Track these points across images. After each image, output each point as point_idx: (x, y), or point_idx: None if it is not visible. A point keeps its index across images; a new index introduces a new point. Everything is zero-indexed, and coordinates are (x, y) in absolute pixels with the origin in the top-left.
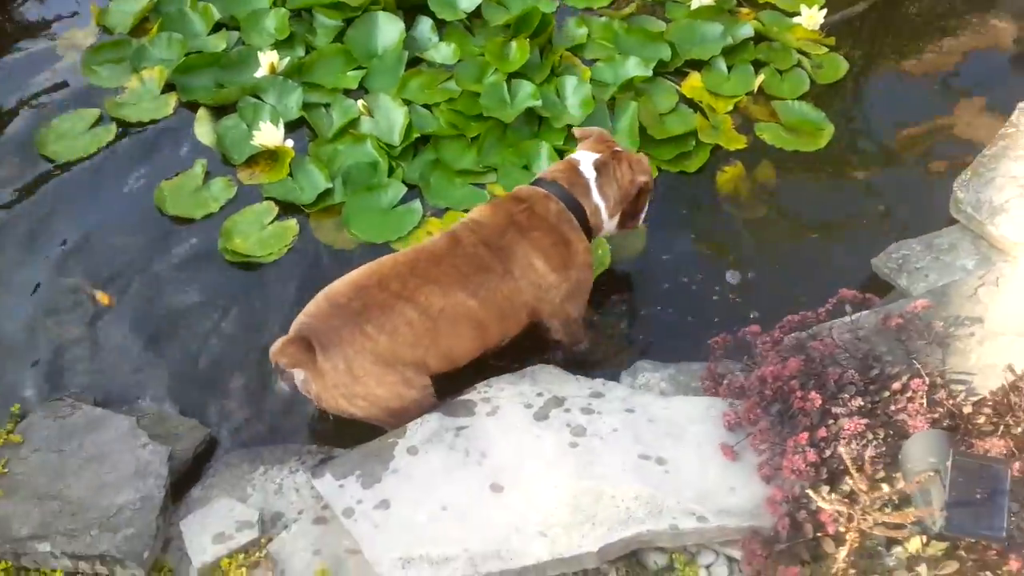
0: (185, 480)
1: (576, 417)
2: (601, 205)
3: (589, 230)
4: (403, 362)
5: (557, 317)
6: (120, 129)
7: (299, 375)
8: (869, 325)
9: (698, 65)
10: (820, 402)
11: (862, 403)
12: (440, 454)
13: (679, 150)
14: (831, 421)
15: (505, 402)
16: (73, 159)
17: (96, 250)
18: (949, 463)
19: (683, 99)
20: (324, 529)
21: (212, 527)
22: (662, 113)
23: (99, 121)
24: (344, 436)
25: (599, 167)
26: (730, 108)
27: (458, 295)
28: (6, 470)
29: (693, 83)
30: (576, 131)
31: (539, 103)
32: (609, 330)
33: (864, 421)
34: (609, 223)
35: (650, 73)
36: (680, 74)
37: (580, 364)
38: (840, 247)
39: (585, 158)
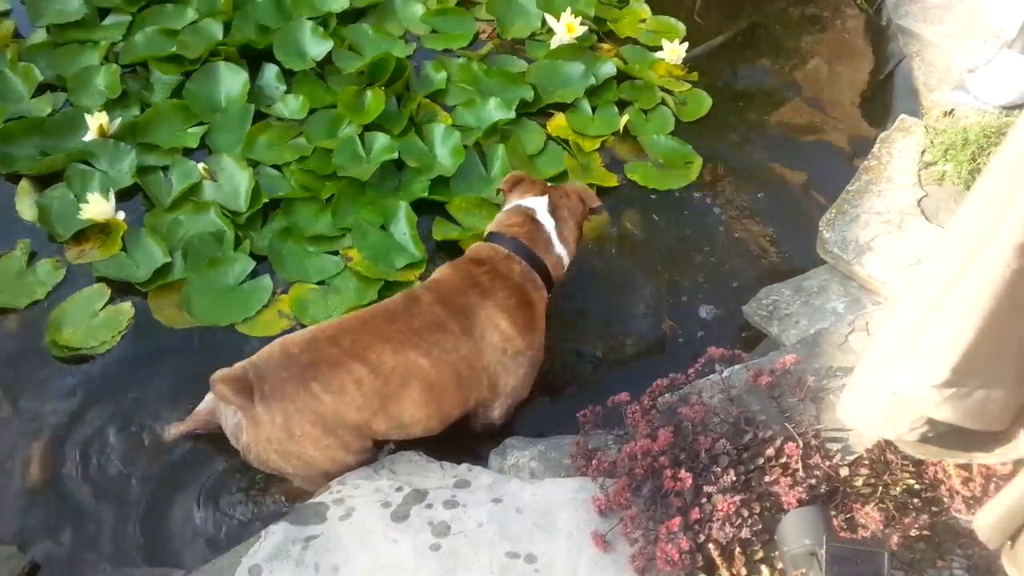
0: None
1: (439, 513)
2: (564, 254)
3: (550, 284)
4: (345, 425)
5: (513, 395)
6: None
7: (232, 417)
8: (740, 382)
9: (562, 107)
10: (691, 481)
11: (735, 478)
12: (287, 573)
13: None
14: (704, 500)
15: (360, 502)
16: None
17: None
18: (823, 551)
19: (550, 138)
20: None
21: None
22: (532, 154)
23: None
24: (182, 552)
25: (554, 212)
26: (597, 146)
27: (409, 354)
28: None
29: (558, 123)
30: (504, 181)
31: (395, 156)
32: None
33: (738, 498)
34: (567, 261)
35: (513, 115)
36: (544, 115)
37: (444, 447)
38: (713, 295)
39: (538, 205)
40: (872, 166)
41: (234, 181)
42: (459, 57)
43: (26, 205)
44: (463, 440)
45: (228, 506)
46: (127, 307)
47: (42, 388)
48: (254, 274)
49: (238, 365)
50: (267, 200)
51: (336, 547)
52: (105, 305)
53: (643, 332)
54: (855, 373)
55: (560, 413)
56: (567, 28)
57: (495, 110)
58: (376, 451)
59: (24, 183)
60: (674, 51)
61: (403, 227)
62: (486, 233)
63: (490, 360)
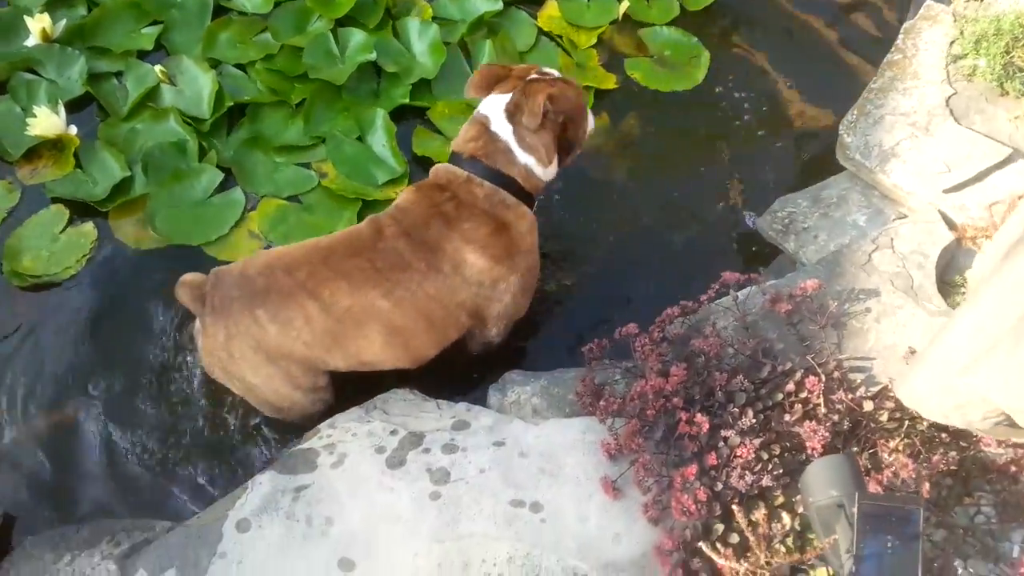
0: None
1: (437, 458)
2: (531, 162)
3: (529, 197)
4: (291, 358)
5: (504, 318)
6: None
7: (196, 323)
8: (756, 307)
9: None
10: (707, 425)
11: (753, 418)
12: (277, 527)
13: None
14: (721, 443)
15: (353, 447)
16: None
17: None
18: (854, 508)
19: (542, 32)
20: None
21: None
22: (522, 52)
23: None
24: (165, 506)
25: (512, 115)
26: (594, 41)
27: (368, 293)
28: None
29: (550, 12)
30: (470, 85)
31: (373, 56)
32: None
33: (757, 441)
34: (548, 172)
35: (500, 6)
36: (534, 2)
37: (438, 382)
38: (723, 207)
39: (493, 108)
40: (896, 60)
41: (195, 85)
42: None
43: None
44: (459, 372)
45: (213, 451)
46: (89, 228)
47: (6, 323)
48: (223, 187)
49: (209, 273)
50: (232, 104)
51: (329, 498)
52: (65, 228)
53: (646, 249)
54: (921, 360)
55: (566, 341)
56: None
57: (482, 1)
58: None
59: None
60: None
61: (381, 137)
62: (450, 152)
63: (466, 295)
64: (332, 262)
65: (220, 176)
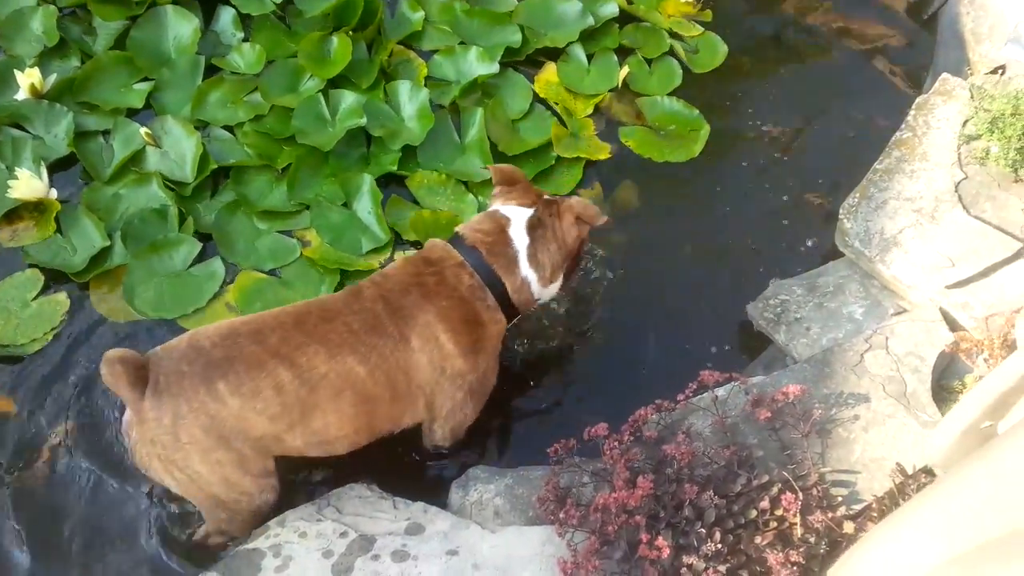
0: None
1: (386, 567)
2: (532, 278)
3: (512, 309)
4: (247, 437)
5: (451, 419)
6: None
7: (126, 416)
8: (737, 408)
9: (554, 54)
10: (668, 550)
11: (720, 541)
12: None
13: (538, 168)
14: (684, 569)
15: (300, 551)
16: None
17: None
18: None
19: (537, 98)
20: None
21: None
22: (515, 119)
23: None
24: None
25: (533, 230)
26: (590, 111)
27: (347, 359)
28: None
29: (548, 77)
30: (492, 170)
31: (363, 121)
32: None
33: (723, 568)
34: (545, 292)
35: (496, 68)
36: (533, 64)
37: (402, 471)
38: (712, 287)
39: (516, 217)
40: (905, 139)
41: (180, 147)
42: None
43: None
44: (425, 461)
45: (163, 541)
46: (62, 298)
47: None
48: (202, 257)
49: (146, 353)
50: (215, 167)
51: None
52: (38, 295)
53: (627, 333)
54: (950, 417)
55: (540, 429)
56: None
57: (476, 62)
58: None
59: None
60: None
61: (367, 204)
62: (453, 232)
63: (427, 378)
64: (307, 327)
65: (199, 247)
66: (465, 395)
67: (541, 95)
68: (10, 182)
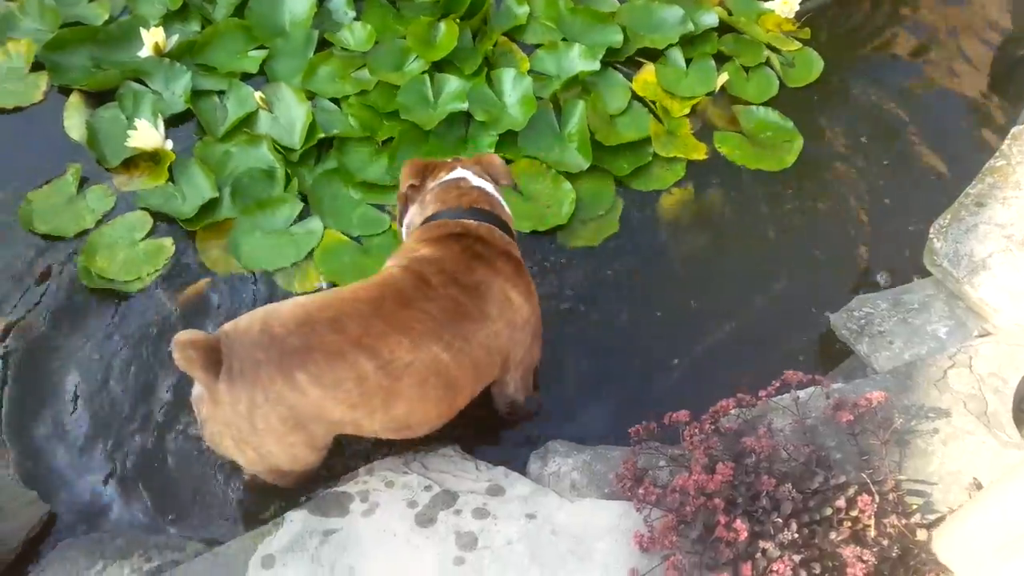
0: (11, 571)
1: (467, 522)
2: (507, 209)
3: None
4: (323, 421)
5: (522, 365)
6: None
7: (196, 388)
8: (817, 411)
9: (653, 55)
10: (746, 534)
11: (796, 531)
12: (301, 568)
13: (636, 163)
14: (759, 554)
15: (386, 498)
16: None
17: None
18: None
19: (635, 96)
20: None
21: None
22: (613, 114)
23: None
24: (202, 523)
25: (483, 176)
26: (687, 111)
27: (431, 348)
28: None
29: (646, 77)
30: (404, 169)
31: (465, 106)
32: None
33: (797, 558)
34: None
35: (598, 66)
36: (632, 64)
37: (483, 441)
38: (798, 297)
39: (467, 175)
40: (999, 167)
41: (291, 114)
42: None
43: (74, 123)
44: (505, 431)
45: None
46: (168, 243)
47: (79, 324)
48: (303, 217)
49: (216, 332)
50: (322, 136)
51: (355, 546)
52: (145, 237)
53: (711, 328)
54: (960, 519)
55: (616, 412)
56: None
57: (578, 59)
58: None
59: (75, 98)
60: (787, 2)
61: None
62: (431, 213)
63: (505, 339)
64: (385, 314)
65: (301, 206)
66: (532, 337)
67: (639, 94)
68: (129, 131)
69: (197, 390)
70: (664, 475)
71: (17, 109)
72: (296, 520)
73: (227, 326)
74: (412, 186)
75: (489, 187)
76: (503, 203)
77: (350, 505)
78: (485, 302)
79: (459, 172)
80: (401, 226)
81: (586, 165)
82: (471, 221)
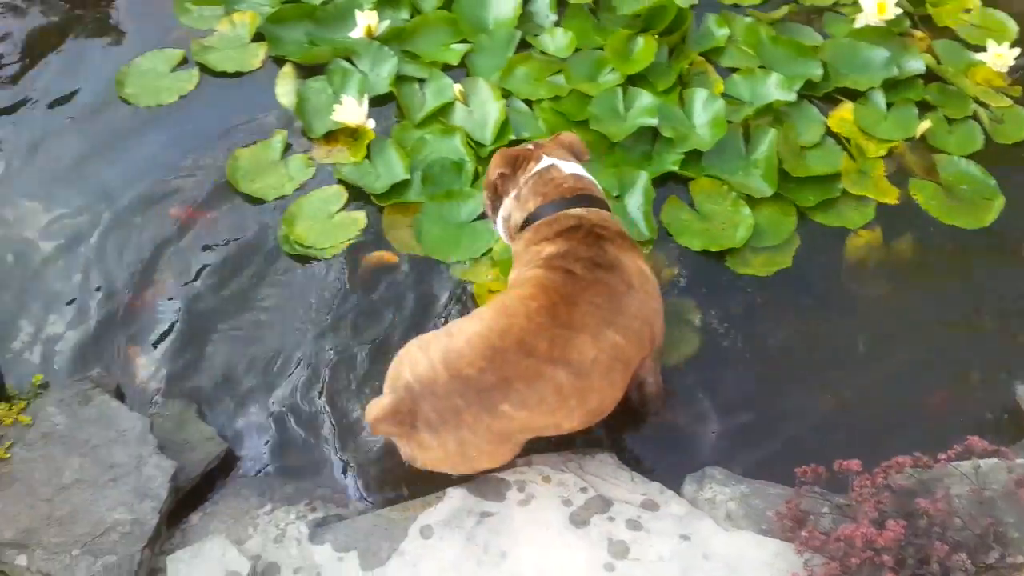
0: (188, 500)
1: (620, 530)
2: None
3: None
4: (529, 430)
5: (658, 341)
6: (203, 76)
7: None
8: (998, 484)
9: (852, 95)
10: None
11: None
12: (456, 543)
13: (824, 196)
14: None
15: (542, 492)
16: (152, 105)
17: (157, 226)
18: None
19: (829, 132)
20: None
21: (199, 571)
22: (804, 146)
23: (182, 63)
24: (365, 485)
25: (571, 155)
26: (883, 153)
27: (608, 335)
28: (8, 455)
29: (843, 115)
30: (499, 168)
31: (655, 122)
32: (687, 407)
33: None
34: None
35: (794, 97)
36: (829, 101)
37: (639, 455)
38: (985, 363)
39: (556, 162)
40: None
41: (485, 110)
42: (747, 16)
43: (285, 90)
44: (660, 450)
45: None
46: (360, 216)
47: (272, 282)
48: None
49: (392, 395)
50: (512, 137)
51: (509, 532)
52: (340, 209)
53: (888, 381)
54: None
55: (776, 449)
56: (878, 7)
57: (775, 88)
58: None
59: (287, 67)
60: (1000, 56)
61: (638, 200)
62: (534, 209)
63: (649, 308)
64: (562, 319)
65: None
66: (658, 304)
67: (833, 130)
68: (335, 106)
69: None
70: (826, 522)
71: (237, 74)
72: (456, 497)
73: (408, 377)
74: (502, 175)
75: (579, 169)
76: (595, 181)
77: (507, 492)
78: (626, 274)
79: (547, 160)
80: (495, 218)
81: (770, 192)
82: (580, 210)
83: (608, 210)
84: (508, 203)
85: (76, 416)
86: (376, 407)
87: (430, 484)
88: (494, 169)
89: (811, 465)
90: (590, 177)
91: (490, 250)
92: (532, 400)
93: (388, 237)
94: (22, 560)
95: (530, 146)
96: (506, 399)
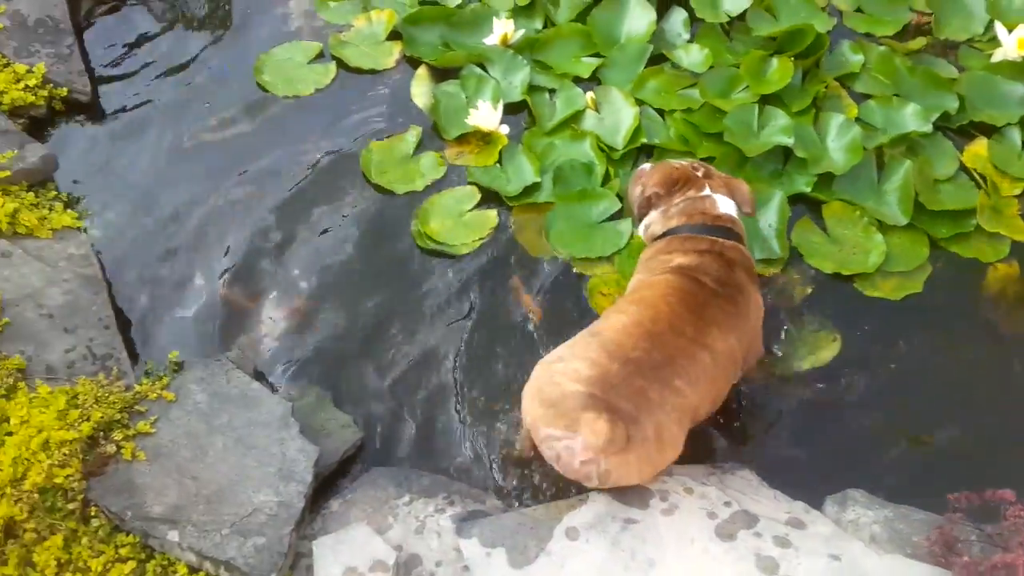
0: (325, 486)
1: (767, 546)
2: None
3: None
4: (692, 420)
5: (747, 366)
6: (339, 72)
7: (578, 451)
8: None
9: (987, 130)
10: None
11: None
12: (602, 547)
13: (957, 230)
14: None
15: (685, 503)
16: (289, 95)
17: (293, 207)
18: None
19: (963, 166)
20: None
21: (344, 557)
22: (938, 179)
23: (318, 57)
24: (502, 482)
25: (733, 199)
26: (1018, 191)
27: (730, 337)
28: (154, 429)
29: (977, 150)
30: (654, 183)
31: (791, 141)
32: (824, 428)
33: None
34: None
35: (930, 128)
36: (963, 134)
37: (778, 473)
38: None
39: (715, 195)
40: None
41: (617, 116)
42: (881, 45)
43: (420, 91)
44: (798, 470)
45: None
46: (492, 215)
47: (403, 274)
48: (615, 216)
49: (593, 412)
50: (643, 142)
51: (654, 541)
52: (472, 208)
53: None
54: None
55: (915, 478)
56: (1017, 43)
57: (911, 118)
58: None
59: (423, 70)
60: None
61: (772, 218)
62: (676, 226)
63: (756, 333)
64: (697, 313)
65: (618, 205)
66: (760, 335)
67: (967, 164)
68: (470, 109)
69: (581, 457)
70: (975, 550)
71: (371, 71)
72: (600, 502)
73: (576, 387)
74: (658, 195)
75: (734, 212)
76: (743, 230)
77: (650, 500)
78: (747, 298)
79: (708, 192)
80: (638, 224)
81: (904, 221)
82: (717, 239)
83: (746, 248)
84: (654, 215)
85: (218, 395)
86: (594, 434)
87: (568, 486)
88: (651, 185)
89: (963, 493)
90: (738, 220)
91: (620, 251)
92: (693, 376)
93: (518, 237)
94: (174, 536)
95: (699, 172)
96: (676, 374)
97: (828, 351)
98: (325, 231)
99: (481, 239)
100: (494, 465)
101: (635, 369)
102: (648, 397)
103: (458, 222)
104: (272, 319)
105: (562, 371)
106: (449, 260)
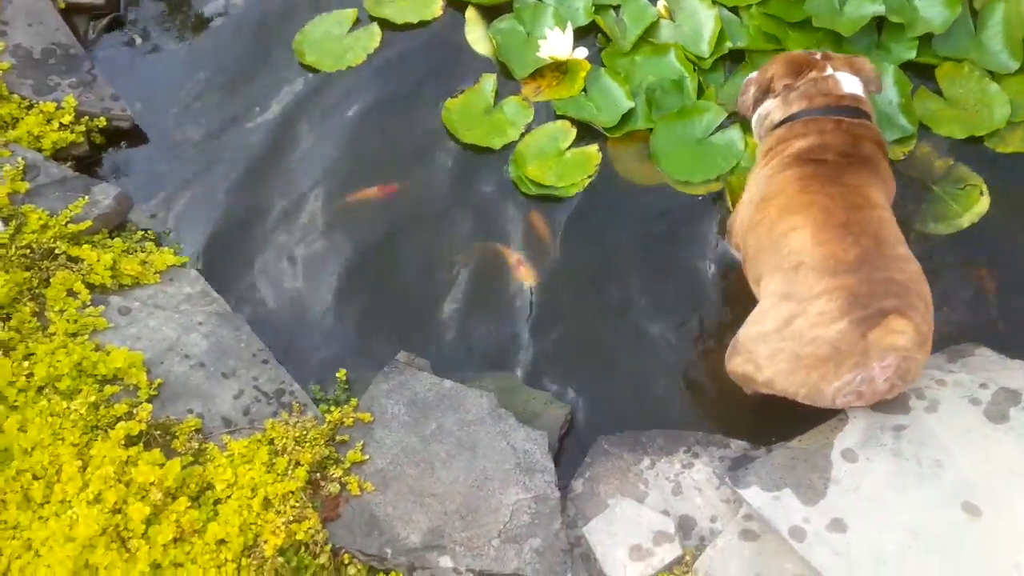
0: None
1: None
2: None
3: None
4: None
5: None
6: (384, 32)
7: (878, 375)
8: None
9: None
10: None
11: None
12: (884, 462)
13: None
14: None
15: (942, 395)
16: (341, 68)
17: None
18: None
19: None
20: (757, 547)
21: (623, 537)
22: None
23: (357, 23)
24: (720, 420)
25: (858, 77)
26: None
27: (883, 197)
28: (366, 456)
29: None
30: (778, 69)
31: (882, 9)
32: None
33: None
34: None
35: None
36: None
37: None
38: None
39: (838, 75)
40: None
41: (696, 20)
42: None
43: (478, 36)
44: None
45: None
46: (593, 151)
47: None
48: (721, 127)
49: (896, 315)
50: (729, 48)
51: (931, 441)
52: (571, 145)
53: None
54: None
55: None
56: None
57: None
58: None
59: (471, 12)
60: None
61: (892, 94)
62: (797, 111)
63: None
64: (839, 181)
65: (723, 115)
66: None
67: None
68: (540, 41)
69: (888, 371)
70: None
71: (421, 24)
72: (860, 417)
73: (848, 313)
74: (777, 81)
75: (859, 89)
76: (872, 108)
77: (908, 402)
78: (880, 167)
79: (829, 71)
80: (752, 114)
81: (1015, 66)
82: (844, 118)
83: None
84: (771, 102)
85: (415, 403)
86: (903, 336)
87: (793, 410)
88: (779, 77)
89: None
90: (866, 98)
91: (735, 167)
92: (897, 233)
93: (617, 168)
94: (446, 561)
95: (817, 55)
96: (891, 244)
97: (980, 205)
98: (435, 204)
99: (588, 177)
100: (716, 409)
101: (864, 265)
102: (896, 280)
103: (558, 161)
104: (463, 310)
105: (808, 324)
106: (560, 203)
